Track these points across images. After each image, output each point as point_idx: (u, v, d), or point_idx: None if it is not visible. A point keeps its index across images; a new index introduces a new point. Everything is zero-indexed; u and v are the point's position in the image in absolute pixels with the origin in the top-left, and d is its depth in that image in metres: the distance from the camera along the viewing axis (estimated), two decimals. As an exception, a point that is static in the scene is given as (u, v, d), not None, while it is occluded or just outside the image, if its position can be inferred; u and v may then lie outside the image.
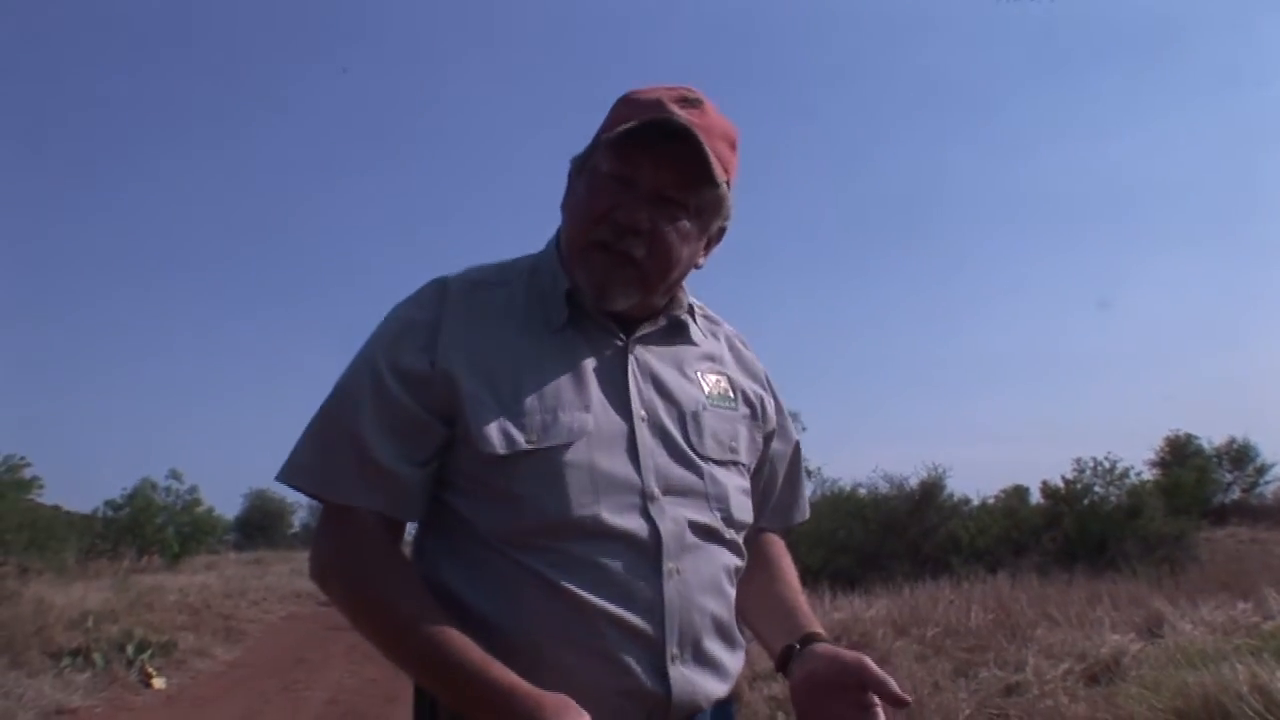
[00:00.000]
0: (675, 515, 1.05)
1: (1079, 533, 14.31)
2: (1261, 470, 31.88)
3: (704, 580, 1.06)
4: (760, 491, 1.24)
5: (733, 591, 1.13)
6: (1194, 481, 21.69)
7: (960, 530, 14.91)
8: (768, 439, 1.24)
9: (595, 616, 0.98)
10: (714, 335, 1.24)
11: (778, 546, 1.32)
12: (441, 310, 1.08)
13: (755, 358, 1.28)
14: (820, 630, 1.14)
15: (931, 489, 16.07)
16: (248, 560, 28.66)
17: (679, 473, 1.08)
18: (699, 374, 1.16)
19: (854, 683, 1.01)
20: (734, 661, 1.10)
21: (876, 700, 1.00)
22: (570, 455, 1.02)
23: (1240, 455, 31.90)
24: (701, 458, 1.10)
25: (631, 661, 0.99)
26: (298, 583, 19.15)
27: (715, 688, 1.06)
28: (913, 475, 16.15)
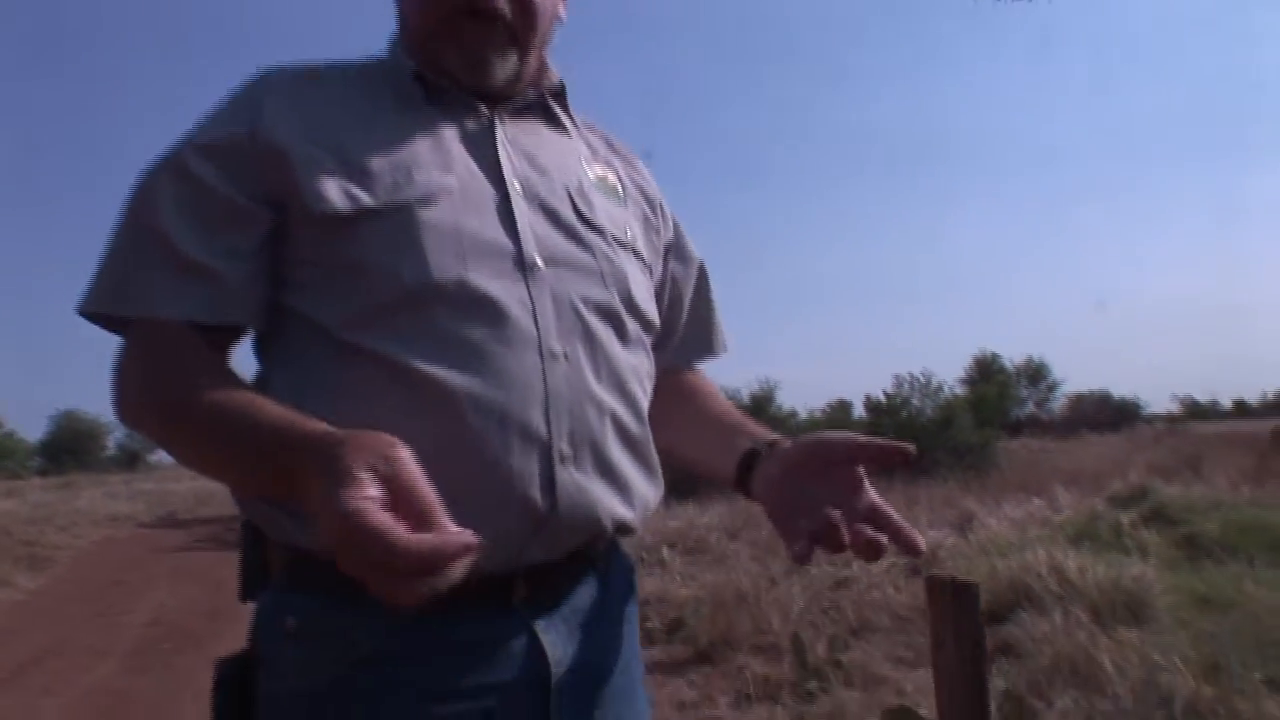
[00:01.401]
0: (561, 290, 0.88)
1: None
2: (1052, 387, 35.20)
3: (601, 372, 0.89)
4: (663, 323, 1.06)
5: (644, 399, 0.95)
6: (996, 396, 23.43)
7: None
8: (666, 253, 1.09)
9: (460, 403, 0.79)
10: (594, 134, 1.09)
11: (700, 378, 1.16)
12: (264, 88, 0.90)
13: (650, 176, 1.13)
14: (778, 436, 0.98)
15: (762, 402, 16.90)
16: (56, 485, 26.68)
17: (564, 244, 0.91)
18: (580, 160, 1.01)
19: (840, 458, 0.86)
20: (647, 488, 0.94)
21: (863, 472, 0.86)
22: (429, 214, 0.84)
23: (1036, 373, 35.00)
24: (591, 228, 0.94)
25: (509, 459, 0.80)
26: (115, 506, 18.01)
27: (618, 507, 0.88)
28: (744, 389, 16.82)
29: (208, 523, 13.76)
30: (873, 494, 0.86)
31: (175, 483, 27.05)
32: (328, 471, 0.64)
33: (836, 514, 0.79)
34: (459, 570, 0.62)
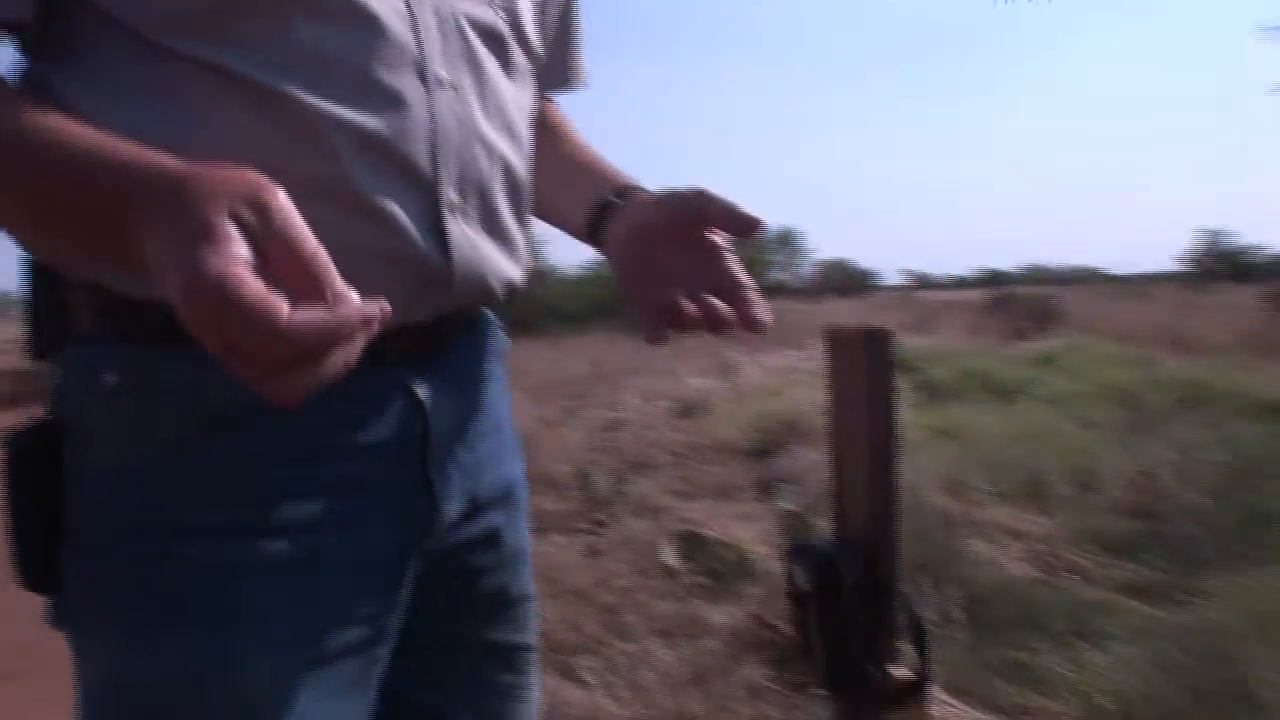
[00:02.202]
0: (444, 7, 0.72)
1: (660, 299, 16.09)
2: (803, 255, 37.63)
3: (489, 108, 0.75)
4: None
5: (529, 143, 0.83)
6: (751, 260, 24.70)
7: (553, 297, 15.85)
8: None
9: (327, 129, 0.63)
10: None
11: (554, 111, 1.01)
12: None
13: None
14: (639, 184, 0.87)
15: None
16: None
17: None
18: None
19: (693, 218, 0.75)
20: (525, 244, 0.82)
21: (720, 239, 0.75)
22: None
23: (787, 241, 37.17)
24: None
25: (391, 205, 0.67)
26: None
27: (509, 267, 0.78)
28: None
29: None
30: (733, 265, 0.74)
31: None
32: (176, 221, 0.48)
33: (682, 296, 0.69)
34: (355, 352, 0.49)
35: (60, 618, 0.66)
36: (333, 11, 0.64)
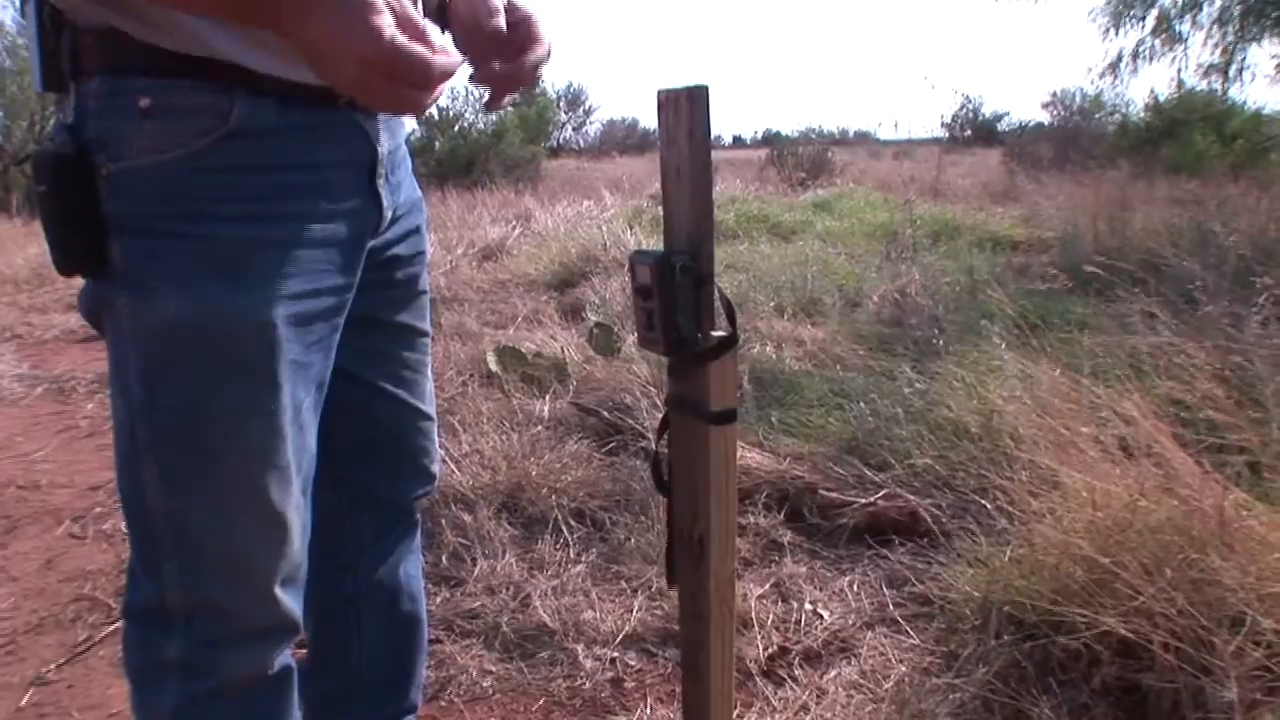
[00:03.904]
0: None
1: (450, 155, 15.60)
2: (588, 112, 37.30)
3: None
4: None
5: None
6: (537, 120, 24.32)
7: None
8: None
9: None
10: None
11: None
12: None
13: None
14: None
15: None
16: None
17: None
18: None
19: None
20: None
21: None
22: None
23: (574, 98, 36.69)
24: None
25: None
26: None
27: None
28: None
29: None
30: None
31: None
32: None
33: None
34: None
35: (110, 288, 0.83)
36: None
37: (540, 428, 2.76)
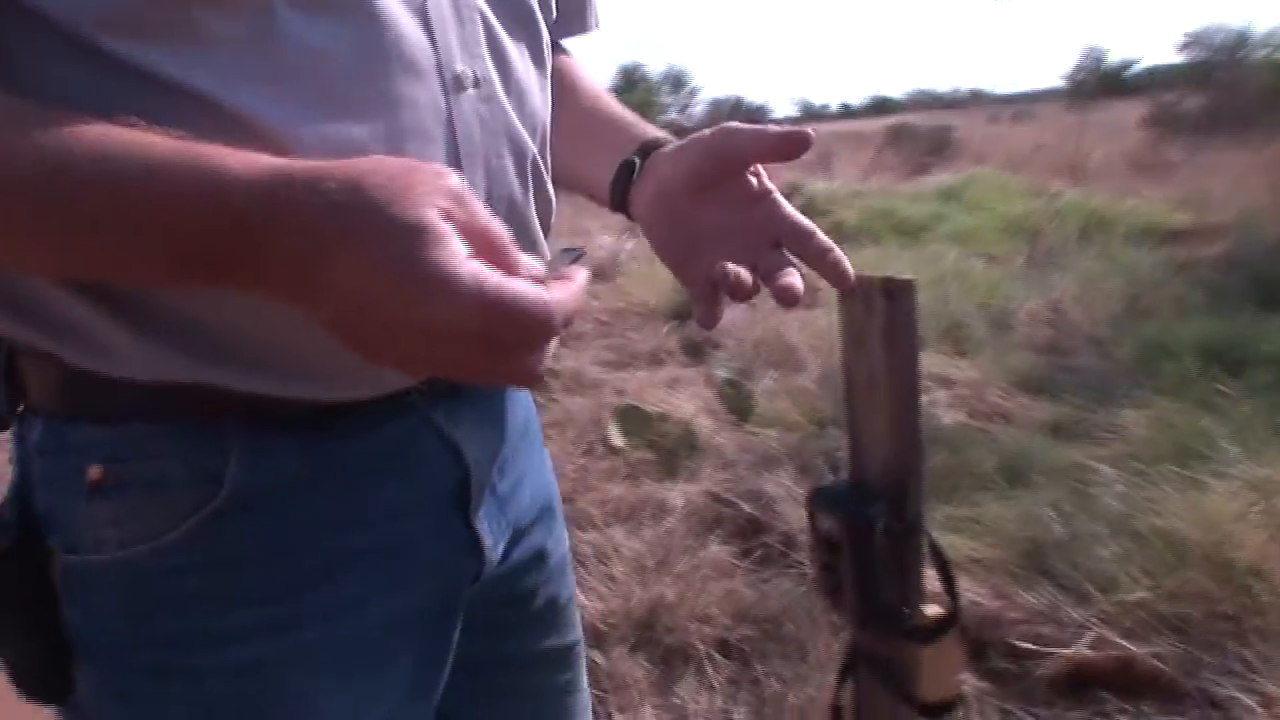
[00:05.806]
0: None
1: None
2: (693, 93, 37.00)
3: (519, 102, 0.63)
4: None
5: (547, 133, 0.70)
6: (642, 104, 24.15)
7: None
8: None
9: (306, 151, 0.48)
10: None
11: (571, 62, 0.83)
12: None
13: None
14: (662, 135, 0.73)
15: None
16: None
17: None
18: None
19: (723, 162, 0.63)
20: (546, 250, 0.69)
21: (765, 183, 0.64)
22: None
23: (677, 80, 36.42)
24: None
25: None
26: None
27: None
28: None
29: None
30: (786, 207, 0.63)
31: None
32: (388, 234, 0.41)
33: (730, 266, 0.57)
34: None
35: None
36: (320, 3, 0.51)
37: (673, 520, 2.51)
